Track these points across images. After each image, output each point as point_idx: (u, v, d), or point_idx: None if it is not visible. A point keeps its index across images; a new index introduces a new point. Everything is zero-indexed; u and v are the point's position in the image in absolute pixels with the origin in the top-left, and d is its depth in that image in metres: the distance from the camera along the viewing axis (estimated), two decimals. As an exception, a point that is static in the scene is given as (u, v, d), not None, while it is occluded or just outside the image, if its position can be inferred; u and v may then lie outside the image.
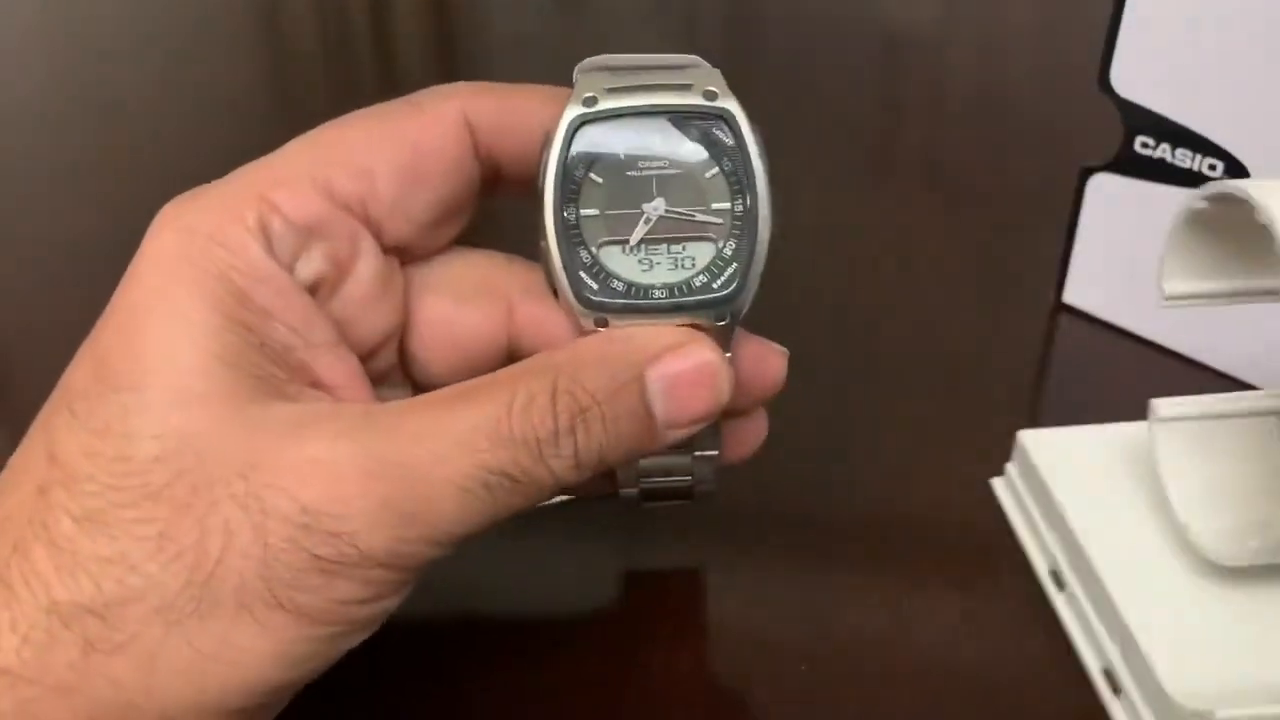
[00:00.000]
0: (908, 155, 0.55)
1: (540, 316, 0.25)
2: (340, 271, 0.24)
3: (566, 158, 0.23)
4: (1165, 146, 0.35)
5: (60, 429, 0.21)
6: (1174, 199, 0.35)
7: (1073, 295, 0.39)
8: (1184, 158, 0.35)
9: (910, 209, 0.47)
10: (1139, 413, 0.29)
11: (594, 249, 0.24)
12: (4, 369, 0.40)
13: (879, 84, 0.62)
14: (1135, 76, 0.35)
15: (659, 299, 0.24)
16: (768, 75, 0.60)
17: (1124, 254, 0.37)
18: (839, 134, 0.54)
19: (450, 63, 0.66)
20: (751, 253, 0.24)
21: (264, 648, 0.20)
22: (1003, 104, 0.57)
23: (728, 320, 0.24)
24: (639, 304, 0.24)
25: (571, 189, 0.23)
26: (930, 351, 0.38)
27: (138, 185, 0.50)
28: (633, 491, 0.26)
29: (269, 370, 0.22)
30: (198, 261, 0.21)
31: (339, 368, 0.23)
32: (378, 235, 0.24)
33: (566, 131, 0.23)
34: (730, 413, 0.25)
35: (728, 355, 0.24)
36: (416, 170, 0.24)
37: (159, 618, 0.20)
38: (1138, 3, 0.34)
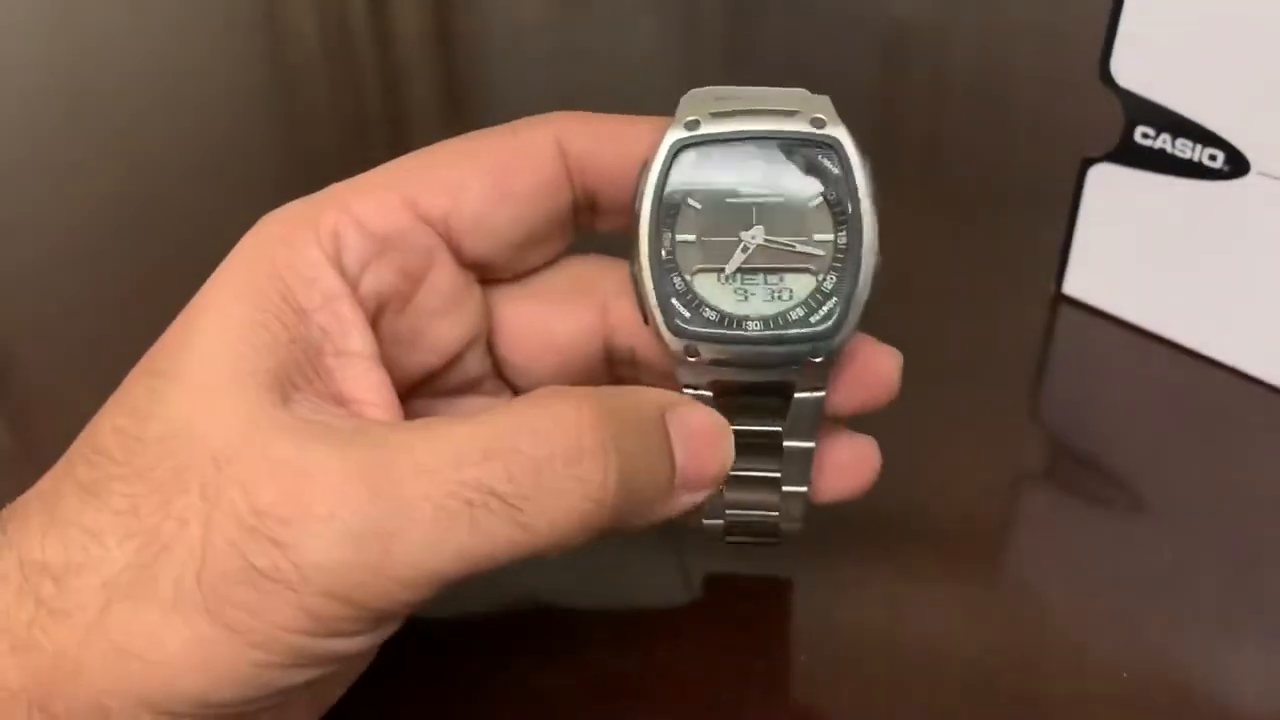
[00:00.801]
0: (908, 146, 0.55)
1: (634, 314, 0.25)
2: (412, 283, 0.24)
3: (665, 181, 0.23)
4: (1166, 137, 0.35)
5: (106, 406, 0.22)
6: (1174, 189, 0.35)
7: (1072, 286, 0.39)
8: (1184, 148, 0.35)
9: (910, 199, 0.47)
10: (1142, 406, 0.29)
11: (688, 276, 0.23)
12: (5, 363, 0.40)
13: (879, 74, 0.62)
14: (1135, 67, 0.35)
15: (753, 331, 0.23)
16: (768, 66, 0.60)
17: (1125, 245, 0.37)
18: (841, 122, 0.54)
19: (450, 59, 0.66)
20: (853, 288, 0.23)
21: (189, 657, 0.19)
22: (1003, 94, 0.56)
23: (823, 358, 0.23)
24: (731, 334, 0.23)
25: (669, 214, 0.23)
26: (928, 341, 0.38)
27: (134, 182, 0.50)
28: (718, 522, 0.26)
29: (293, 372, 0.21)
30: (257, 260, 0.22)
31: (365, 380, 0.23)
32: (457, 250, 0.24)
33: (667, 155, 0.23)
34: (832, 418, 0.24)
35: (822, 394, 0.24)
36: (503, 188, 0.24)
37: (102, 593, 0.19)
38: (1138, -7, 0.34)
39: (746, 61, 0.62)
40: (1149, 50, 0.35)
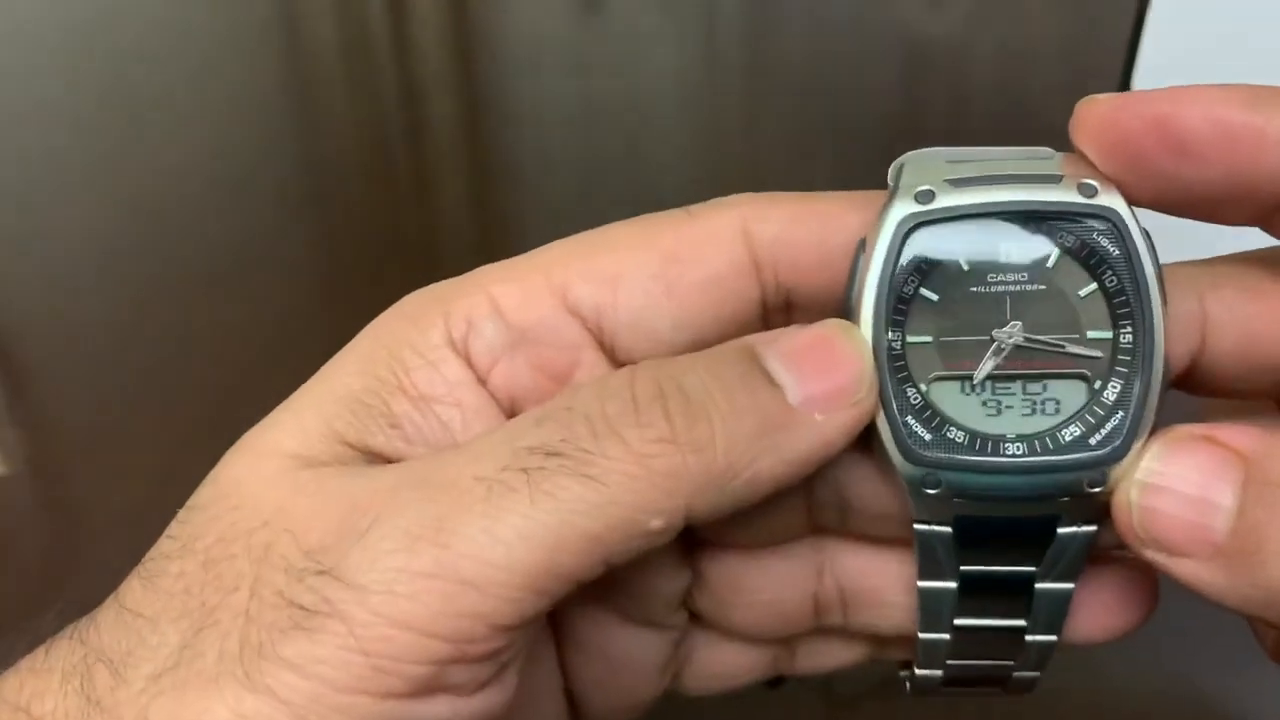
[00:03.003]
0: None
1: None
2: (552, 380, 0.20)
3: (894, 268, 0.18)
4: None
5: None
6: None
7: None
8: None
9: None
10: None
11: (923, 385, 0.19)
12: (24, 365, 0.41)
13: (899, 92, 0.62)
14: (1158, 78, 0.35)
15: (1013, 455, 0.18)
16: (787, 82, 0.60)
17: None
18: (858, 141, 0.54)
19: (469, 71, 0.66)
20: (1144, 398, 0.18)
21: None
22: (1023, 113, 0.56)
23: (1103, 486, 0.18)
24: (985, 461, 0.18)
25: (898, 309, 0.19)
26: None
27: (151, 189, 0.50)
28: (935, 673, 0.21)
29: (394, 451, 0.19)
30: (382, 337, 0.20)
31: None
32: (610, 348, 0.20)
33: (895, 234, 0.18)
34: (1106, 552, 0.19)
35: (1093, 529, 0.19)
36: (668, 281, 0.20)
37: (150, 686, 0.17)
38: (1160, 13, 0.34)
39: (766, 75, 0.63)
40: (1170, 71, 0.35)
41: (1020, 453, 0.18)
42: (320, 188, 0.55)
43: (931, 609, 0.20)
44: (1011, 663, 0.20)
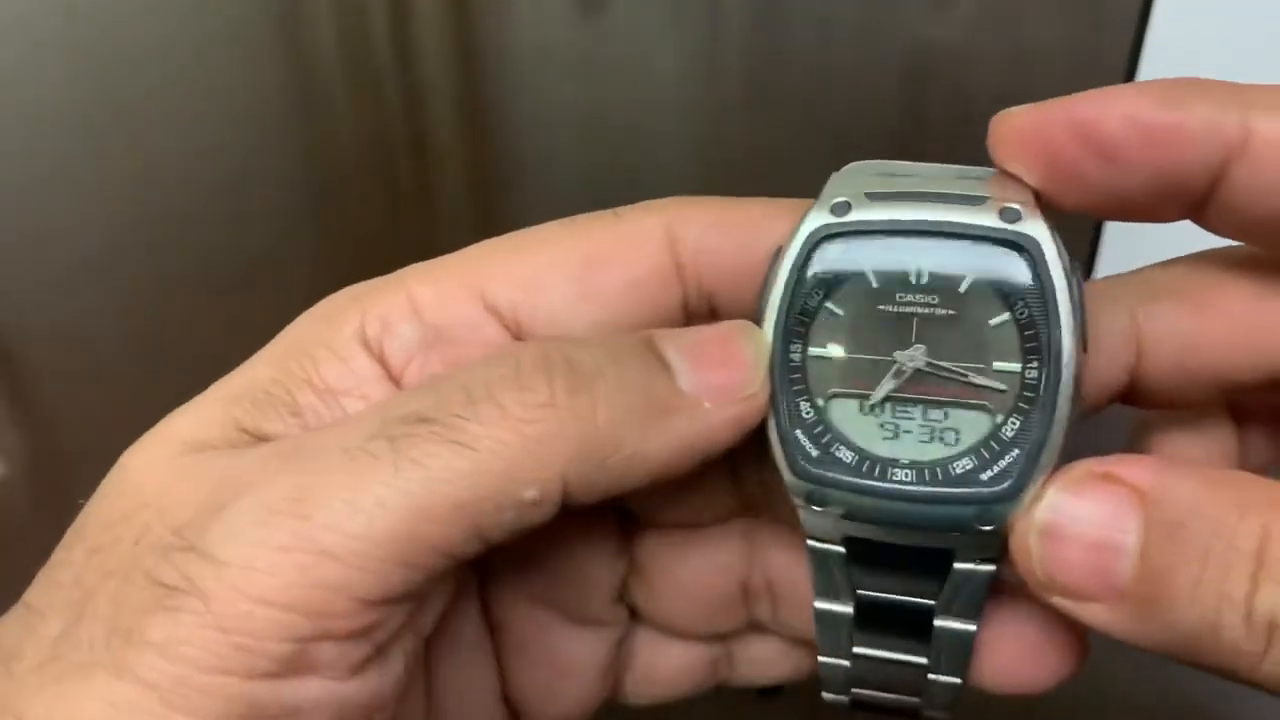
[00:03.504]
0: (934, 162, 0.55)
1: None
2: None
3: (800, 278, 0.18)
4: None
5: None
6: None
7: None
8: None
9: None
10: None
11: (820, 400, 0.18)
12: (26, 368, 0.41)
13: (904, 96, 0.62)
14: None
15: (900, 482, 0.17)
16: (790, 87, 0.60)
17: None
18: (862, 146, 0.54)
19: (471, 75, 0.66)
20: (1043, 439, 0.17)
21: None
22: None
23: (993, 526, 0.17)
24: (872, 485, 0.17)
25: (801, 320, 0.18)
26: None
27: (160, 189, 0.50)
28: (841, 699, 0.20)
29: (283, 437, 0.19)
30: (298, 332, 0.20)
31: None
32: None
33: (804, 245, 0.18)
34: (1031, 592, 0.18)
35: (992, 569, 0.18)
36: (588, 284, 0.19)
37: (34, 675, 0.16)
38: (1163, 19, 0.34)
39: (770, 80, 0.63)
40: (1174, 66, 0.34)
41: (908, 479, 0.17)
42: (322, 192, 0.55)
43: (829, 632, 0.19)
44: (917, 700, 0.19)
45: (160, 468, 0.18)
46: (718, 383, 0.18)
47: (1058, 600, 0.17)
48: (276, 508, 0.16)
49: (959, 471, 0.17)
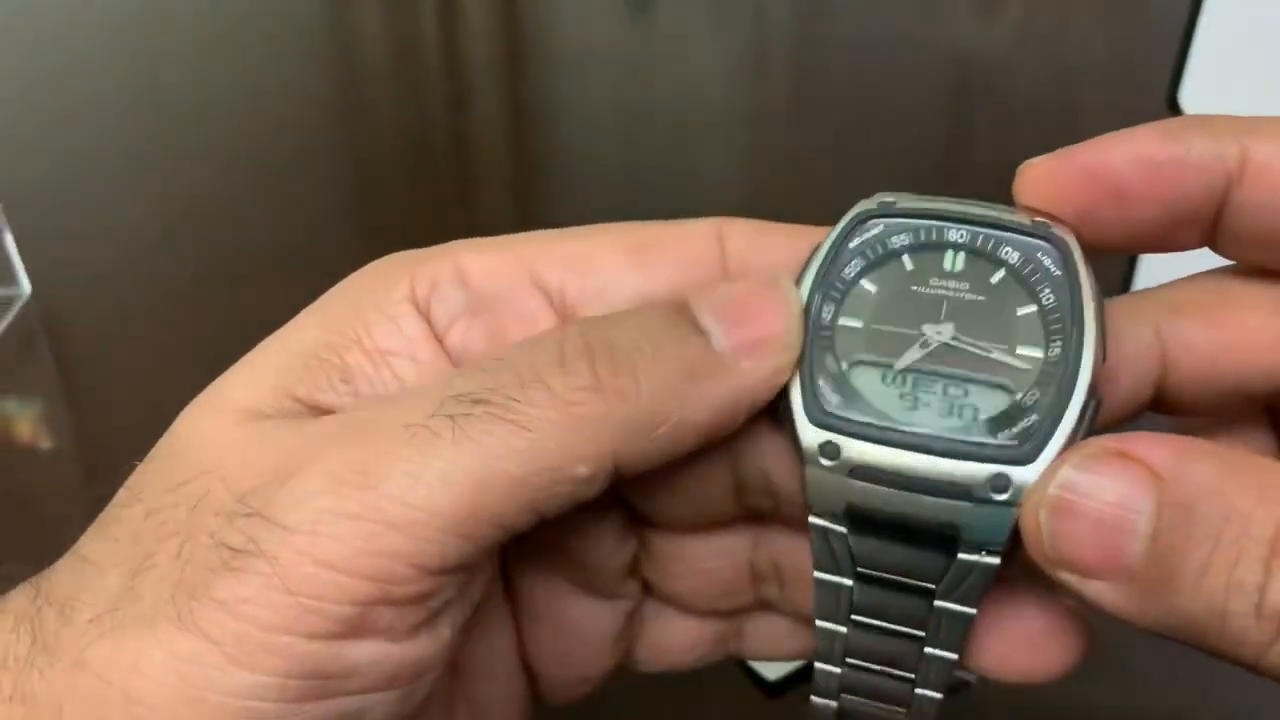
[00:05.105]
0: (976, 176, 0.55)
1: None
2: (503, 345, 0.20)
3: (841, 249, 0.19)
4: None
5: None
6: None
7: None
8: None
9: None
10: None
11: (844, 365, 0.18)
12: (75, 348, 0.41)
13: (947, 105, 0.62)
14: (1205, 94, 0.35)
15: (918, 430, 0.18)
16: (835, 91, 0.60)
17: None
18: (906, 156, 0.54)
19: (515, 75, 0.67)
20: (1062, 409, 0.17)
21: (165, 686, 0.16)
22: (1071, 124, 0.56)
23: (1009, 494, 0.17)
24: (889, 431, 0.18)
25: (836, 287, 0.19)
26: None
27: (206, 179, 0.51)
28: (830, 704, 0.20)
29: (336, 406, 0.20)
30: (347, 294, 0.21)
31: None
32: (567, 318, 0.21)
33: (849, 221, 0.19)
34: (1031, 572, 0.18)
35: (996, 560, 0.18)
36: (636, 264, 0.20)
37: (93, 628, 0.17)
38: (1210, 20, 0.34)
39: (814, 84, 0.63)
40: (1219, 78, 0.34)
41: (925, 433, 0.18)
42: (367, 183, 0.55)
43: (828, 602, 0.19)
44: (912, 676, 0.19)
45: (218, 435, 0.19)
46: (753, 339, 0.18)
47: (1063, 575, 0.17)
48: (343, 479, 0.17)
49: (976, 437, 0.18)
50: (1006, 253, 0.18)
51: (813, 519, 0.19)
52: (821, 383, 0.18)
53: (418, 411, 0.17)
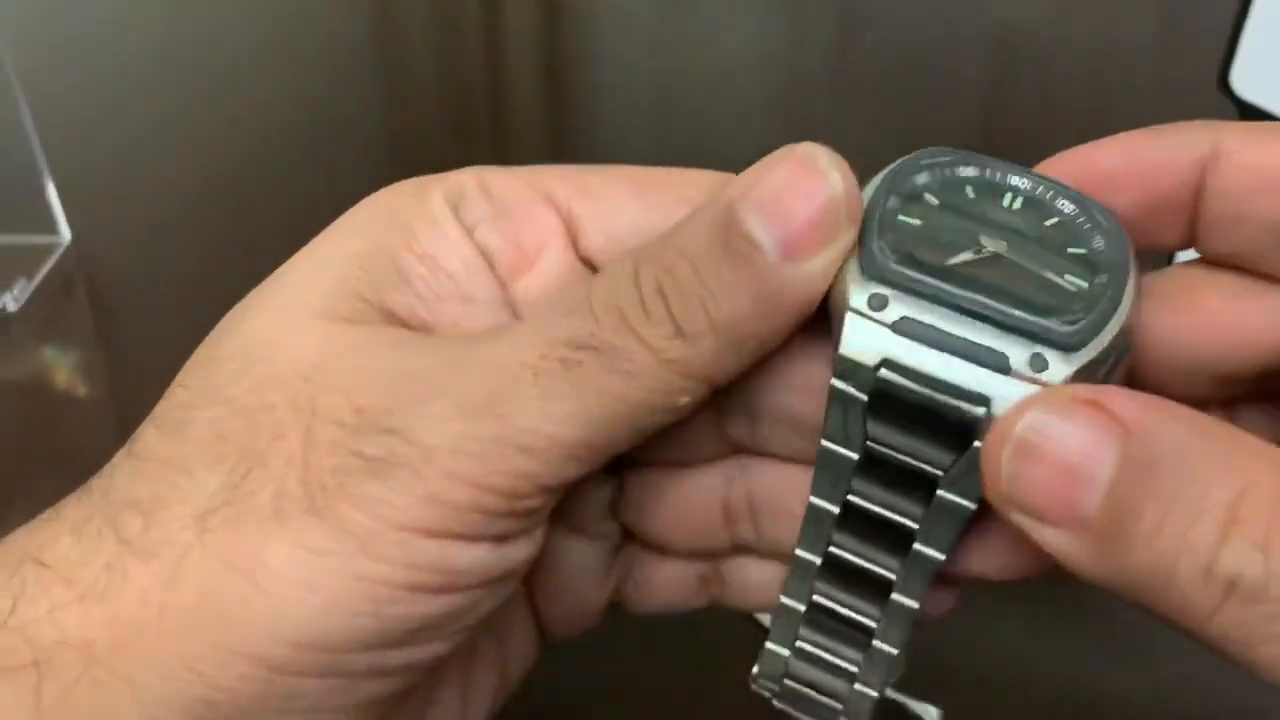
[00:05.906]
0: (1018, 156, 0.54)
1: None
2: (522, 257, 0.22)
3: (905, 169, 0.20)
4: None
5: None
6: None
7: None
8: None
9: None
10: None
11: (897, 248, 0.19)
12: (114, 300, 0.42)
13: (988, 86, 0.61)
14: (1258, 77, 0.34)
15: (975, 296, 0.18)
16: (871, 65, 0.59)
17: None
18: (943, 127, 0.53)
19: (554, 41, 0.66)
20: (1101, 325, 0.18)
21: (295, 573, 0.18)
22: (1116, 107, 0.55)
23: (1043, 375, 0.18)
24: (938, 289, 0.18)
25: (899, 195, 0.19)
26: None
27: (244, 140, 0.52)
28: (772, 686, 0.21)
29: (403, 311, 0.21)
30: (382, 206, 0.22)
31: (486, 323, 0.22)
32: (576, 236, 0.22)
33: (916, 155, 0.20)
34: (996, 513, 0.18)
35: (972, 505, 0.19)
36: (647, 196, 0.21)
37: (195, 524, 0.18)
38: (1263, 8, 0.33)
39: (850, 58, 0.62)
40: (1273, 61, 0.34)
41: (978, 298, 0.18)
42: (402, 147, 0.56)
43: (828, 473, 0.20)
44: (875, 624, 0.20)
45: (306, 340, 0.20)
46: (809, 240, 0.19)
47: (1017, 517, 0.17)
48: (476, 410, 0.18)
49: (1024, 313, 0.18)
50: (1062, 204, 0.19)
51: (835, 381, 0.19)
52: (881, 244, 0.19)
53: (530, 352, 0.19)
